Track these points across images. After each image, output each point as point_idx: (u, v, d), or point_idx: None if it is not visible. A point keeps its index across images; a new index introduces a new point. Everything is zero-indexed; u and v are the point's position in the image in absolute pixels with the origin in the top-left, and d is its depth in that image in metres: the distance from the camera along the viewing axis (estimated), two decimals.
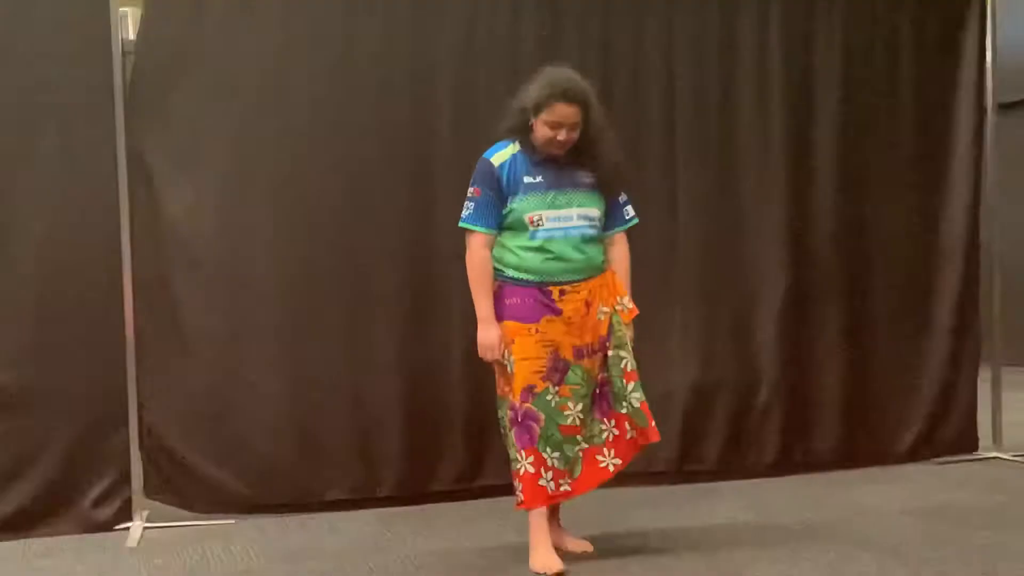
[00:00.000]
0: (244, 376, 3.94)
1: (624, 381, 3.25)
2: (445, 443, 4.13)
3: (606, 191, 3.30)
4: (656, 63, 4.31)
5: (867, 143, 4.55)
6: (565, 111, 3.12)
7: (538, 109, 3.14)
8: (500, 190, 3.21)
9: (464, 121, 4.05)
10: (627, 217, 3.38)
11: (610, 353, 3.27)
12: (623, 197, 3.36)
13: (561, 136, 3.14)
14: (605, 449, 3.25)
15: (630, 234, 3.40)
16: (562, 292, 3.21)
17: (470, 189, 3.23)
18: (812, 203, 4.48)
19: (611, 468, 3.26)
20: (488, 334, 3.19)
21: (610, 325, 3.26)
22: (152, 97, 3.86)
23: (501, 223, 3.23)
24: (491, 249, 3.24)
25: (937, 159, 4.66)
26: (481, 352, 3.22)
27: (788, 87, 4.42)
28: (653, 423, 3.26)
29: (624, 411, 3.26)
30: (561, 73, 3.19)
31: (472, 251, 3.24)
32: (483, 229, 3.23)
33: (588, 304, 3.24)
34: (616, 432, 3.27)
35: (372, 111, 4.03)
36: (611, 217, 3.34)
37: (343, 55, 4.02)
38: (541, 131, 3.16)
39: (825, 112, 4.48)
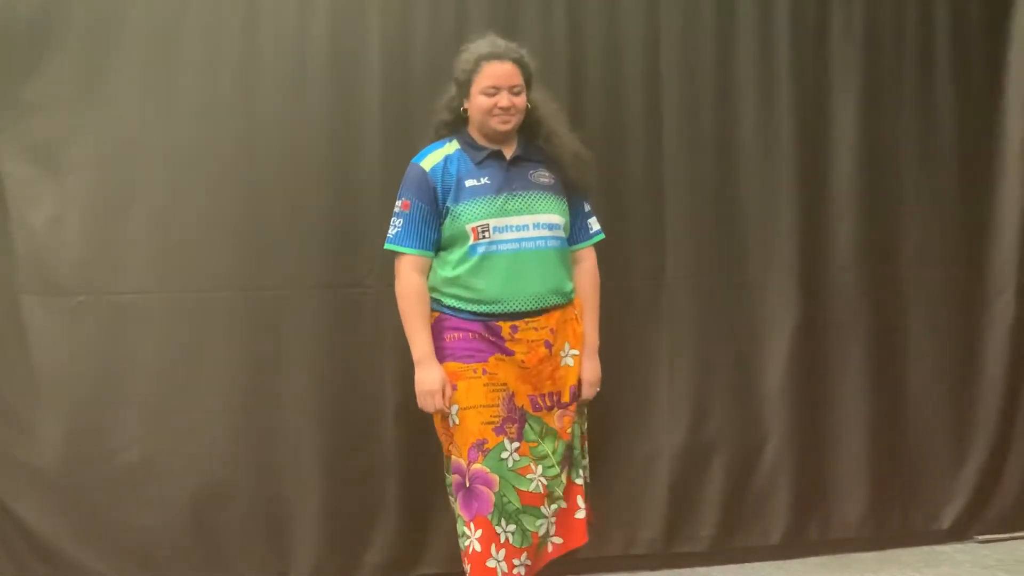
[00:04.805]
0: (118, 435, 3.71)
1: (583, 446, 3.17)
2: (375, 520, 3.87)
3: (571, 189, 3.14)
4: (636, 49, 4.09)
5: (894, 146, 4.33)
6: (499, 69, 3.00)
7: (468, 82, 3.02)
8: (435, 201, 3.03)
9: (395, 116, 3.84)
10: (592, 231, 3.24)
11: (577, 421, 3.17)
12: (587, 205, 3.24)
13: (503, 101, 2.98)
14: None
15: (602, 258, 3.26)
16: (514, 328, 2.97)
17: (397, 202, 3.09)
18: (828, 219, 4.27)
19: (550, 547, 3.11)
20: (428, 377, 3.00)
21: (577, 381, 3.14)
22: (5, 80, 3.64)
23: (438, 242, 3.06)
24: (426, 274, 3.07)
25: (981, 166, 4.41)
26: (421, 401, 3.03)
27: (798, 81, 4.22)
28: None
29: (580, 482, 3.13)
30: (485, 38, 3.10)
31: (402, 277, 3.06)
32: (415, 251, 3.04)
33: (549, 345, 3.04)
34: (564, 504, 3.10)
35: (283, 105, 3.80)
36: (572, 228, 3.17)
37: (248, 35, 3.80)
38: (478, 107, 3.01)
39: (843, 110, 4.27)
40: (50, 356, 3.66)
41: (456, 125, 3.10)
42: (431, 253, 3.04)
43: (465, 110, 3.04)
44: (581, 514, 3.12)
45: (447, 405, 2.99)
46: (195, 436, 3.73)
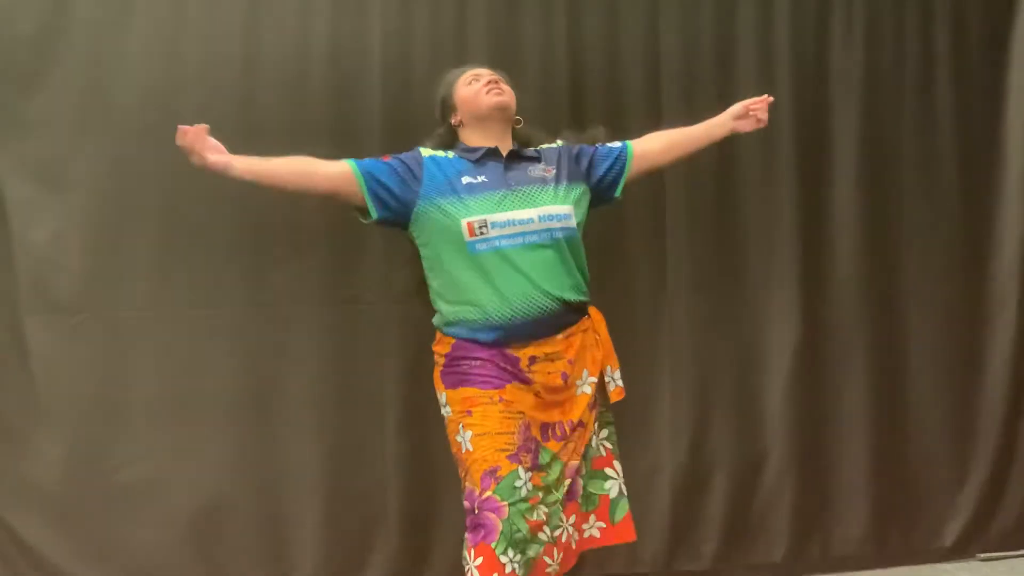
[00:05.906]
0: (119, 451, 3.71)
1: (610, 466, 3.09)
2: (376, 535, 3.88)
3: (583, 154, 3.07)
4: (636, 55, 4.12)
5: (895, 158, 4.34)
6: (476, 70, 3.04)
7: (450, 94, 3.03)
8: (412, 174, 2.92)
9: (396, 132, 3.80)
10: (616, 144, 3.13)
11: (594, 438, 3.03)
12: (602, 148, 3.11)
13: (486, 77, 2.99)
14: (555, 550, 2.97)
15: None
16: (532, 360, 2.88)
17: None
18: (829, 233, 4.27)
19: (554, 572, 3.00)
20: None
21: (593, 400, 2.99)
22: (7, 100, 3.66)
23: (374, 180, 2.91)
24: (332, 170, 2.94)
25: (981, 181, 4.41)
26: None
27: (798, 91, 4.23)
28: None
29: (588, 509, 3.04)
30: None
31: None
32: (350, 160, 2.92)
33: (565, 376, 2.92)
34: (571, 531, 3.01)
35: (283, 119, 3.81)
36: (612, 160, 3.08)
37: (247, 50, 3.82)
38: (466, 98, 2.99)
39: (844, 121, 4.28)
40: (51, 373, 3.65)
41: (449, 140, 3.02)
42: (357, 172, 2.91)
43: (455, 125, 3.00)
44: (589, 532, 3.08)
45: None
46: (196, 452, 3.72)
